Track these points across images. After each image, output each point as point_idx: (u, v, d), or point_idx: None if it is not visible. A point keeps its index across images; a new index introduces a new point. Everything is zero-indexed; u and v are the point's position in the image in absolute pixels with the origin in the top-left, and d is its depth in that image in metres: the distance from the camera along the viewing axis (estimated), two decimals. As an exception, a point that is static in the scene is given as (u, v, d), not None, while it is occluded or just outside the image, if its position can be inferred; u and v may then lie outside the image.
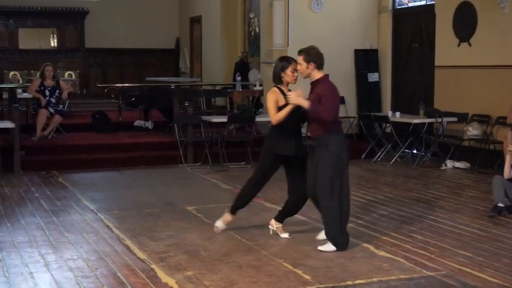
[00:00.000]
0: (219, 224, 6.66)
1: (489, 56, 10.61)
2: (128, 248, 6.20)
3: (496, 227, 6.98)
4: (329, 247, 6.04)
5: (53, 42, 19.47)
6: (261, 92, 13.36)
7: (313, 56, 6.05)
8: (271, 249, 6.11)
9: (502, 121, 10.25)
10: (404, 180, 9.86)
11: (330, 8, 12.63)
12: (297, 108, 6.05)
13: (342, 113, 7.66)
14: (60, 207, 7.93)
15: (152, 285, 5.14)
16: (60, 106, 12.06)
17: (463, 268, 5.58)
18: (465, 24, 11.04)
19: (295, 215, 6.73)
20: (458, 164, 10.75)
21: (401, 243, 6.33)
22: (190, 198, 8.48)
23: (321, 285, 5.14)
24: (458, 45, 11.20)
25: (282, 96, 6.18)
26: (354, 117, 12.51)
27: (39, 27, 19.39)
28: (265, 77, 13.26)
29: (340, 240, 6.06)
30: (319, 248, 6.08)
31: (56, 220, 7.28)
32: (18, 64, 19.00)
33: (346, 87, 12.31)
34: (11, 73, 18.86)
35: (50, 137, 11.79)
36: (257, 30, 16.01)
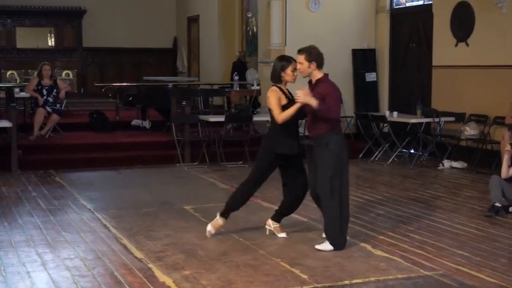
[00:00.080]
0: (209, 228, 6.48)
1: (487, 56, 10.62)
2: (125, 247, 6.19)
3: (493, 227, 6.99)
4: (327, 246, 6.04)
5: (51, 42, 19.46)
6: (259, 92, 13.36)
7: (315, 55, 6.05)
8: (268, 248, 6.11)
9: (499, 121, 10.26)
10: (401, 180, 9.86)
11: (327, 7, 12.63)
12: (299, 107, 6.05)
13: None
14: (58, 207, 7.92)
15: (149, 285, 5.14)
16: (58, 105, 12.06)
17: (461, 268, 5.59)
18: (463, 24, 11.05)
19: (293, 215, 6.73)
20: (455, 164, 10.76)
21: (399, 243, 6.34)
22: (188, 198, 8.48)
23: (318, 285, 5.14)
24: (456, 45, 11.21)
25: (283, 96, 6.17)
26: (352, 117, 12.52)
27: (37, 27, 19.39)
28: (262, 77, 13.26)
29: (339, 240, 6.06)
30: (317, 246, 6.08)
31: (53, 219, 7.27)
32: (16, 63, 19.01)
33: (344, 87, 12.20)
34: (9, 72, 18.86)
35: (47, 136, 11.78)
36: (255, 30, 16.01)
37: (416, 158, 11.10)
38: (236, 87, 13.80)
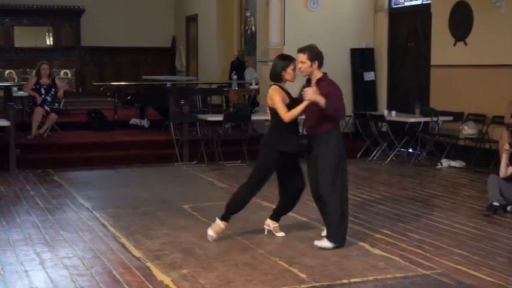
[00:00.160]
0: (211, 233, 6.31)
1: (485, 56, 10.63)
2: (123, 246, 6.19)
3: (491, 226, 6.99)
4: (326, 244, 6.04)
5: (49, 41, 19.44)
6: (257, 91, 13.37)
7: (316, 54, 6.07)
8: (267, 247, 6.11)
9: (497, 120, 10.27)
10: (399, 179, 9.87)
11: (326, 6, 12.64)
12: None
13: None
14: (56, 206, 7.92)
15: (147, 283, 5.14)
16: (56, 104, 12.04)
17: (459, 267, 5.59)
18: (461, 23, 11.05)
19: (291, 214, 6.73)
20: (453, 163, 10.77)
21: (397, 242, 6.34)
22: (186, 197, 8.48)
23: (317, 284, 5.14)
24: (454, 44, 11.21)
25: (285, 95, 6.16)
26: (350, 116, 12.49)
27: (35, 26, 19.38)
28: (261, 76, 13.26)
29: (339, 237, 6.07)
30: (316, 243, 6.08)
31: (51, 218, 7.27)
32: (14, 62, 18.99)
33: (342, 86, 11.92)
34: (7, 71, 18.85)
35: (45, 135, 11.77)
36: (253, 29, 16.01)
37: (415, 157, 11.11)
38: (234, 87, 13.80)
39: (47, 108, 11.75)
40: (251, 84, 13.79)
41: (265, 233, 6.52)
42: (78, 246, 6.19)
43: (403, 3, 12.86)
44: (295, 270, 5.44)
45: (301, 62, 6.07)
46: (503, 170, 7.60)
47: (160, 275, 5.32)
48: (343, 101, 6.20)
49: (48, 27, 19.39)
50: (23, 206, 7.92)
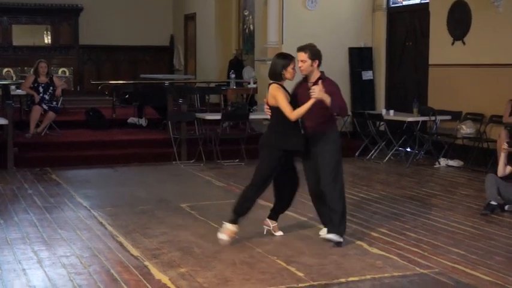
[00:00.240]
0: (223, 236, 6.18)
1: (483, 55, 10.63)
2: (121, 244, 6.19)
3: (488, 225, 7.00)
4: (334, 237, 6.08)
5: (47, 39, 19.43)
6: (255, 90, 13.36)
7: (317, 53, 6.11)
8: (264, 246, 6.11)
9: (495, 119, 10.28)
10: (397, 178, 9.87)
11: (324, 5, 12.63)
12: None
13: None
14: (54, 204, 7.91)
15: (145, 282, 5.14)
16: (54, 103, 12.03)
17: (456, 266, 5.60)
18: (459, 22, 11.06)
19: (290, 213, 6.73)
20: (451, 162, 10.78)
21: (395, 241, 6.34)
22: (184, 196, 8.48)
23: (314, 283, 5.15)
24: (453, 43, 11.22)
25: (286, 93, 6.14)
26: (348, 115, 12.49)
27: (33, 24, 19.37)
28: (259, 75, 13.25)
29: (343, 230, 6.14)
30: (325, 236, 6.14)
31: (49, 217, 7.26)
32: (12, 61, 18.96)
33: (340, 85, 11.82)
34: (5, 70, 18.82)
35: (43, 133, 11.76)
36: (251, 28, 16.01)
37: (413, 157, 11.12)
38: (233, 85, 13.79)
39: (45, 106, 11.74)
40: (249, 83, 13.78)
41: (265, 232, 6.50)
42: (76, 244, 6.19)
43: (401, 3, 12.86)
44: (293, 269, 5.44)
45: (302, 60, 6.08)
46: (501, 169, 7.61)
47: (158, 274, 5.32)
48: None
49: (46, 26, 19.37)
50: (20, 204, 7.91)
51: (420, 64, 12.12)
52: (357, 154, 11.67)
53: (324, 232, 6.38)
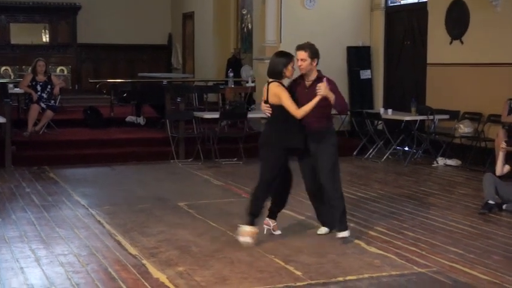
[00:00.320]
0: (246, 239, 6.09)
1: (481, 54, 10.64)
2: (119, 243, 6.18)
3: (486, 224, 7.01)
4: (345, 233, 6.18)
5: (45, 38, 19.42)
6: (254, 89, 13.36)
7: (316, 52, 6.14)
8: (262, 245, 6.10)
9: (493, 119, 10.29)
10: (395, 177, 9.87)
11: (322, 4, 12.64)
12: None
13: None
14: (52, 203, 7.91)
15: (143, 281, 5.13)
16: (52, 101, 12.03)
17: (454, 265, 5.60)
18: (457, 22, 11.06)
19: (288, 212, 6.73)
20: (449, 162, 10.78)
21: (393, 240, 6.35)
22: (182, 194, 8.47)
23: (312, 281, 5.15)
24: (451, 43, 11.22)
25: (287, 91, 6.14)
26: (346, 114, 12.50)
27: (31, 23, 19.36)
28: (257, 74, 13.25)
29: (346, 225, 6.23)
30: (339, 235, 6.20)
31: (47, 215, 7.26)
32: (10, 59, 18.94)
33: (338, 84, 11.87)
34: (3, 68, 18.82)
35: (41, 132, 11.75)
36: (250, 27, 16.01)
37: (411, 156, 11.12)
38: (231, 84, 13.79)
39: (42, 105, 11.73)
40: (247, 82, 13.78)
41: (265, 232, 6.46)
42: (73, 243, 6.18)
43: (400, 2, 12.86)
44: (291, 268, 5.44)
45: (302, 59, 6.09)
46: (499, 169, 7.62)
47: (156, 273, 5.32)
48: None
49: (44, 24, 19.37)
50: (18, 203, 7.90)
51: (418, 63, 12.12)
52: (355, 153, 11.66)
53: (321, 231, 6.39)
